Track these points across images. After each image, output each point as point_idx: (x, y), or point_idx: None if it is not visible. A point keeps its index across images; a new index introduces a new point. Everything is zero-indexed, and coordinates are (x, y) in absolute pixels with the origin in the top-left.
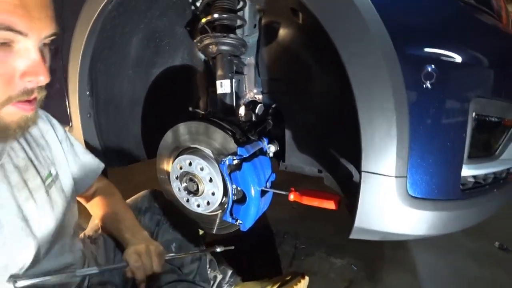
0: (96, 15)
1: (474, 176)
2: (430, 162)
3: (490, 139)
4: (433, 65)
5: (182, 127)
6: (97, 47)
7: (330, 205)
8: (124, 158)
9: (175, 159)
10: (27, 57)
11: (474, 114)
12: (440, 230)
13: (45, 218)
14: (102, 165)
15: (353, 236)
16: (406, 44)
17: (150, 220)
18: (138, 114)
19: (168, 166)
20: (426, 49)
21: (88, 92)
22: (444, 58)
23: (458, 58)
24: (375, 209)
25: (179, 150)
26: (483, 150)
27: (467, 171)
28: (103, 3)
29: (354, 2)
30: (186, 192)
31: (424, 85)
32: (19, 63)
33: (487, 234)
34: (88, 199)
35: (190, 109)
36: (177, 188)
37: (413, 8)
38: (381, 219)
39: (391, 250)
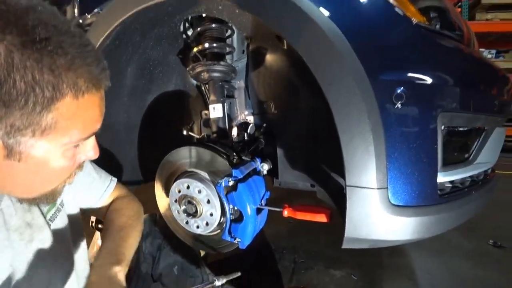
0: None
1: (451, 181)
2: (407, 173)
3: (463, 146)
4: (402, 87)
5: (178, 152)
6: None
7: (321, 218)
8: (121, 182)
9: (174, 183)
10: (89, 146)
11: (442, 127)
12: (423, 234)
13: (49, 258)
14: (113, 180)
15: (345, 245)
16: (377, 71)
17: (151, 245)
18: (134, 139)
19: (166, 191)
20: (395, 74)
21: None
22: (411, 80)
23: (423, 80)
24: (362, 219)
25: (177, 174)
26: (458, 157)
27: (443, 177)
28: (102, 38)
29: (329, 38)
30: (185, 214)
31: (395, 106)
32: (82, 155)
33: (481, 233)
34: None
35: (185, 132)
36: (176, 211)
37: (380, 38)
38: (368, 228)
39: (388, 257)
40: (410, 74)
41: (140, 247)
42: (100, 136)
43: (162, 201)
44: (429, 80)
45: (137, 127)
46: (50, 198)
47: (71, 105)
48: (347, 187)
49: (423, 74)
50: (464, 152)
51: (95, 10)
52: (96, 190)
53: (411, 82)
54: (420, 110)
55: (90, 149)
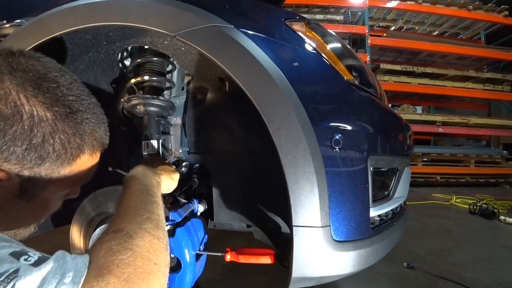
0: None
1: (379, 215)
2: (346, 210)
3: (384, 184)
4: (339, 134)
5: (103, 193)
6: None
7: (266, 260)
8: None
9: (96, 229)
10: (77, 189)
11: (371, 168)
12: (362, 265)
13: None
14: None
15: (292, 287)
16: (319, 119)
17: None
18: None
19: (85, 238)
20: (333, 122)
21: None
22: (347, 128)
23: (354, 127)
24: (308, 258)
25: (101, 219)
26: (381, 194)
27: (374, 212)
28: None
29: (279, 87)
30: None
31: (334, 150)
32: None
33: (397, 258)
34: None
35: (110, 169)
36: None
37: (320, 90)
38: (315, 266)
39: None
40: (344, 122)
41: None
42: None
43: (79, 250)
44: (359, 128)
45: None
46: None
47: (85, 160)
48: (293, 227)
49: (354, 122)
50: (385, 189)
51: (18, 20)
52: None
53: (346, 130)
54: (354, 153)
55: (76, 191)
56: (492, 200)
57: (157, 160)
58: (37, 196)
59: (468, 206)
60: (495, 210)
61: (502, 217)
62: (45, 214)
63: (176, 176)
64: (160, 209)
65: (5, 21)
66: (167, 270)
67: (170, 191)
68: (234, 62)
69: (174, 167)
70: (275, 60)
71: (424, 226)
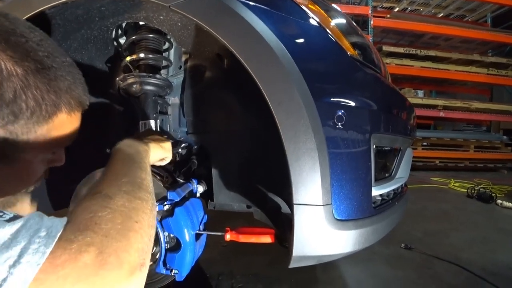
0: None
1: (381, 195)
2: (348, 188)
3: (386, 164)
4: (342, 110)
5: (100, 173)
6: None
7: (266, 239)
8: None
9: None
10: (61, 154)
11: (374, 146)
12: (362, 244)
13: None
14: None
15: (292, 265)
16: (321, 94)
17: None
18: None
19: None
20: (336, 98)
21: None
22: (349, 104)
23: (357, 104)
24: (309, 236)
25: None
26: (383, 173)
27: (375, 191)
28: None
29: (280, 60)
30: None
31: (337, 127)
32: (55, 162)
33: (395, 240)
34: None
35: (108, 151)
36: None
37: (323, 65)
38: (316, 244)
39: (322, 272)
40: (347, 99)
41: None
42: None
43: None
44: (362, 105)
45: None
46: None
47: (63, 120)
48: (294, 206)
49: (358, 99)
50: (387, 169)
51: None
52: None
53: (349, 106)
54: (357, 130)
55: (61, 158)
56: (490, 184)
57: (146, 133)
58: (17, 158)
59: (466, 190)
60: (493, 194)
61: (499, 201)
62: (30, 180)
63: (167, 145)
64: (144, 173)
65: None
66: (152, 231)
67: (164, 162)
68: (234, 35)
69: (166, 136)
70: (276, 33)
71: (422, 209)
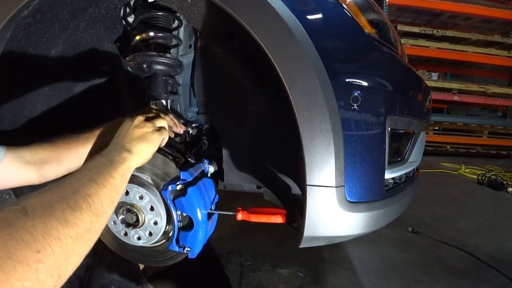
0: (5, 21)
1: (393, 178)
2: (361, 170)
3: (400, 147)
4: (358, 91)
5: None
6: (3, 59)
7: (277, 219)
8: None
9: None
10: None
11: (389, 128)
12: (373, 226)
13: None
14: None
15: (303, 245)
16: (337, 73)
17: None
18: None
19: None
20: (352, 78)
21: None
22: (365, 85)
23: (374, 84)
24: (321, 217)
25: None
26: (397, 156)
27: (388, 174)
28: (18, 7)
29: (296, 37)
30: (124, 225)
31: (352, 107)
32: None
33: (402, 223)
34: None
35: None
36: (112, 222)
37: (339, 43)
38: (327, 226)
39: (329, 252)
40: (364, 79)
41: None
42: (11, 134)
43: None
44: (378, 85)
45: (60, 126)
46: None
47: None
48: (307, 186)
49: (374, 79)
50: (401, 152)
51: None
52: None
53: (365, 86)
54: (373, 112)
55: None
56: (502, 172)
57: (130, 122)
58: None
59: (476, 177)
60: (504, 182)
61: (510, 189)
62: None
63: (151, 136)
64: (96, 188)
65: None
66: (59, 263)
67: (150, 153)
68: (248, 11)
69: (151, 123)
70: (292, 9)
71: (431, 194)
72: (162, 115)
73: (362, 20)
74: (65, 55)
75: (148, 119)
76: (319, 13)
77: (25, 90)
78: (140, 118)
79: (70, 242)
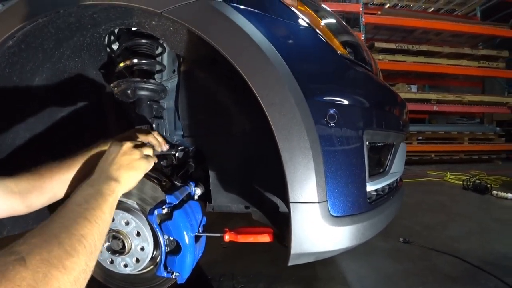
0: None
1: (376, 190)
2: (343, 185)
3: (380, 159)
4: (334, 109)
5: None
6: None
7: (265, 238)
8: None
9: None
10: None
11: (367, 142)
12: (359, 239)
13: None
14: None
15: (291, 262)
16: (312, 93)
17: None
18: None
19: None
20: (328, 97)
21: None
22: (340, 102)
23: (349, 102)
24: (306, 234)
25: None
26: (377, 168)
27: (370, 187)
28: (3, 38)
29: (271, 62)
30: (109, 252)
31: (329, 125)
32: None
33: (393, 234)
34: None
35: None
36: None
37: (313, 64)
38: (313, 242)
39: (323, 268)
40: (339, 97)
41: None
42: None
43: None
44: (353, 102)
45: (43, 152)
46: None
47: None
48: (290, 204)
49: (349, 97)
50: (381, 164)
51: None
52: None
53: (341, 104)
54: (350, 128)
55: None
56: (485, 175)
57: (117, 148)
58: None
59: (462, 182)
60: (488, 185)
61: (494, 192)
62: None
63: (139, 164)
64: (89, 228)
65: None
66: None
67: (136, 181)
68: (225, 39)
69: (138, 150)
70: (266, 35)
71: (419, 202)
72: (145, 134)
73: (335, 42)
74: (49, 83)
75: (136, 147)
76: (293, 38)
77: (7, 117)
78: (128, 145)
79: (68, 286)
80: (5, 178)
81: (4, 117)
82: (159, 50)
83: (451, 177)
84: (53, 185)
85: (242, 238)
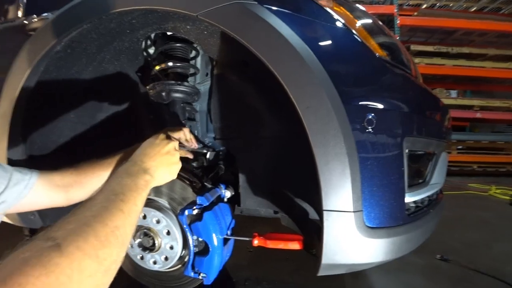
0: (41, 55)
1: (415, 202)
2: (380, 194)
3: (420, 169)
4: (372, 113)
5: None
6: (36, 89)
7: (295, 245)
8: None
9: None
10: None
11: (407, 150)
12: (396, 253)
13: None
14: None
15: (321, 273)
16: (350, 97)
17: None
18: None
19: None
20: (365, 101)
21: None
22: (379, 107)
23: (388, 106)
24: (339, 244)
25: None
26: (418, 179)
27: (409, 198)
28: (52, 43)
29: (308, 64)
30: (140, 248)
31: (367, 130)
32: None
33: (429, 250)
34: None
35: None
36: (129, 245)
37: (351, 68)
38: (346, 253)
39: (351, 281)
40: (378, 101)
41: None
42: (38, 157)
43: None
44: (393, 107)
45: (84, 150)
46: None
47: None
48: (323, 212)
49: (388, 101)
50: (422, 174)
51: (44, 14)
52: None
53: (380, 109)
54: (389, 134)
55: None
56: None
57: (160, 146)
58: None
59: (509, 198)
60: None
61: None
62: None
63: (176, 168)
64: (123, 219)
65: (34, 15)
66: None
67: (166, 182)
68: (260, 41)
69: (178, 156)
70: (302, 37)
71: (460, 217)
72: (177, 131)
73: (372, 44)
74: (90, 85)
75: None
76: (329, 39)
77: (54, 116)
78: (172, 145)
79: (100, 277)
80: (52, 172)
81: (50, 116)
82: (193, 53)
83: (496, 191)
84: (93, 181)
85: (272, 244)
